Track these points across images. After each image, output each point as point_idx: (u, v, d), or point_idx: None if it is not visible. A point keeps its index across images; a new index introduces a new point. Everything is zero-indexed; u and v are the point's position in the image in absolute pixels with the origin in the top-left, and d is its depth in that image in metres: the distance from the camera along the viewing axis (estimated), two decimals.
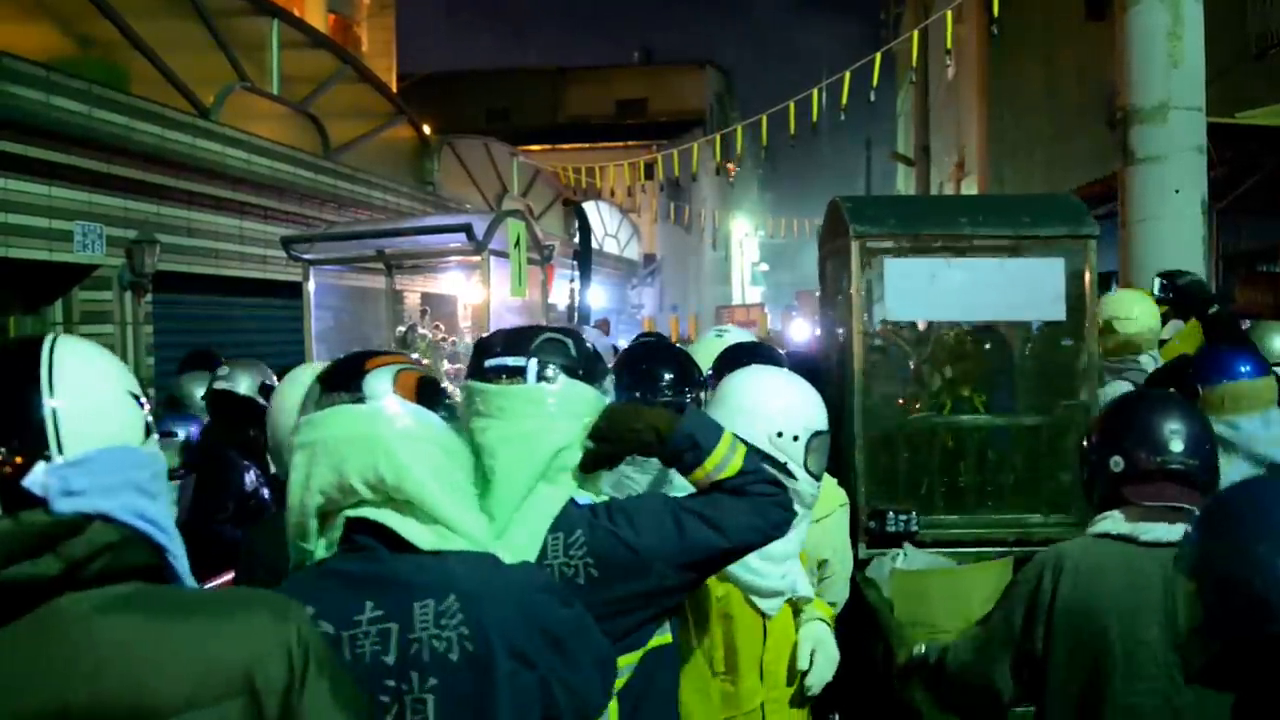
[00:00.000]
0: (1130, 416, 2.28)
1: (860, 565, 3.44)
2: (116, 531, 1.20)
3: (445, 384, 1.77)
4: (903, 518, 3.58)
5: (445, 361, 7.73)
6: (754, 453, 1.96)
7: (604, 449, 1.91)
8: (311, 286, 8.09)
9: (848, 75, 12.03)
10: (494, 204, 17.47)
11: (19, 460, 1.17)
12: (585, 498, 1.87)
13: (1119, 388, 3.95)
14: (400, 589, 1.54)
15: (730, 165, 28.92)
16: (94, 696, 1.14)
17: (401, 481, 1.55)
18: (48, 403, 1.20)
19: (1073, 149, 13.97)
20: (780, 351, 4.13)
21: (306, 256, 8.01)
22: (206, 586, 1.60)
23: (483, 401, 1.89)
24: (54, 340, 1.27)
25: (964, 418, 4.05)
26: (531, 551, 1.78)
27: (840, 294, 4.14)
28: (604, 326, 14.13)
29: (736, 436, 1.94)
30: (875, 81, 11.80)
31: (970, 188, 20.74)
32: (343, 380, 1.62)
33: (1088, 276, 3.79)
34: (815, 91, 12.53)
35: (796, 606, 2.50)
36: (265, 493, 4.09)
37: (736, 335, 3.97)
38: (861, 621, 3.11)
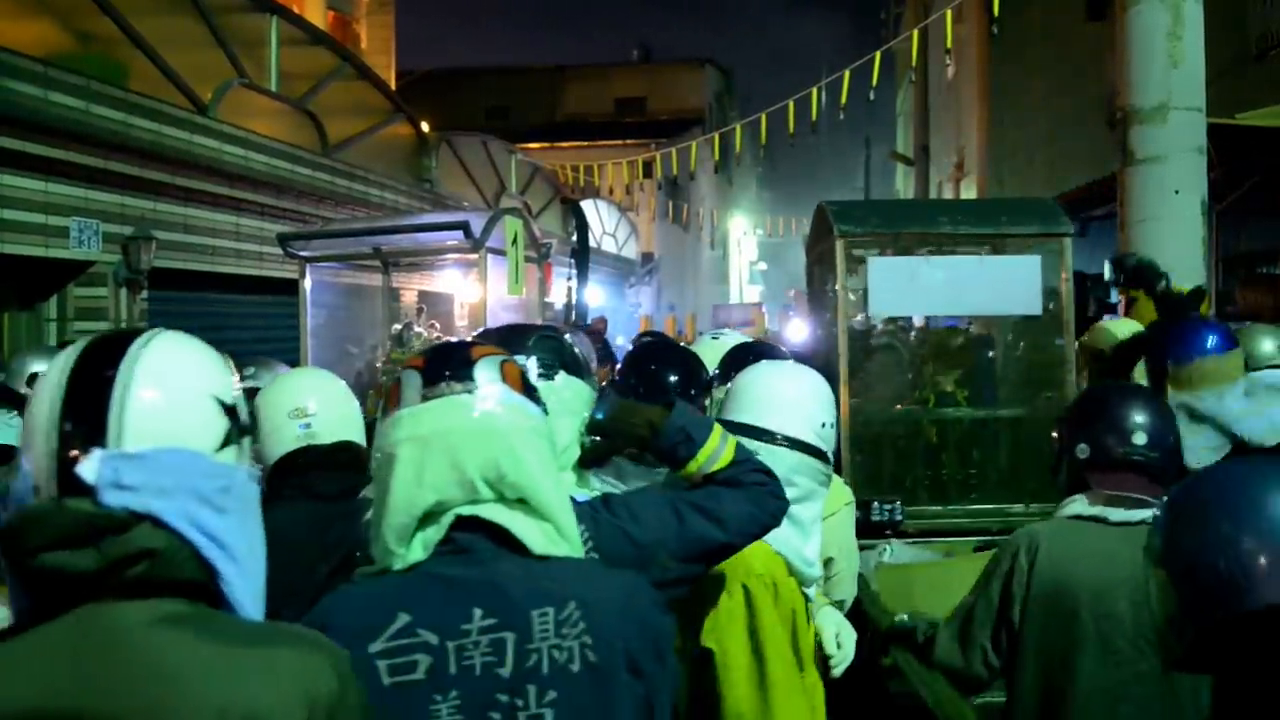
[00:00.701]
0: (1099, 406, 2.40)
1: None
2: (165, 538, 1.14)
3: None
4: (887, 507, 3.65)
5: None
6: (742, 444, 1.94)
7: (601, 444, 1.89)
8: (308, 284, 8.08)
9: (847, 74, 12.03)
10: (492, 202, 17.45)
11: (80, 445, 1.13)
12: (582, 495, 1.84)
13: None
14: (514, 596, 1.44)
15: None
16: (111, 712, 1.10)
17: (520, 476, 1.47)
18: (116, 391, 1.16)
19: (1072, 149, 13.96)
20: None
21: (303, 254, 7.99)
22: None
23: None
24: (151, 335, 1.24)
25: (947, 411, 4.16)
26: None
27: (828, 293, 4.26)
28: (601, 325, 14.11)
29: (725, 429, 1.93)
30: (875, 81, 11.80)
31: (970, 188, 20.74)
32: (450, 369, 1.52)
33: (1064, 273, 3.95)
34: (814, 91, 12.52)
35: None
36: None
37: (733, 339, 3.90)
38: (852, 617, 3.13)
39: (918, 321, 5.23)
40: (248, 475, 1.27)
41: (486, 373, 1.52)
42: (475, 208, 15.52)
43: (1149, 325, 3.75)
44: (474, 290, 8.04)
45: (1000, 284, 3.94)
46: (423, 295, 12.60)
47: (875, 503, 3.62)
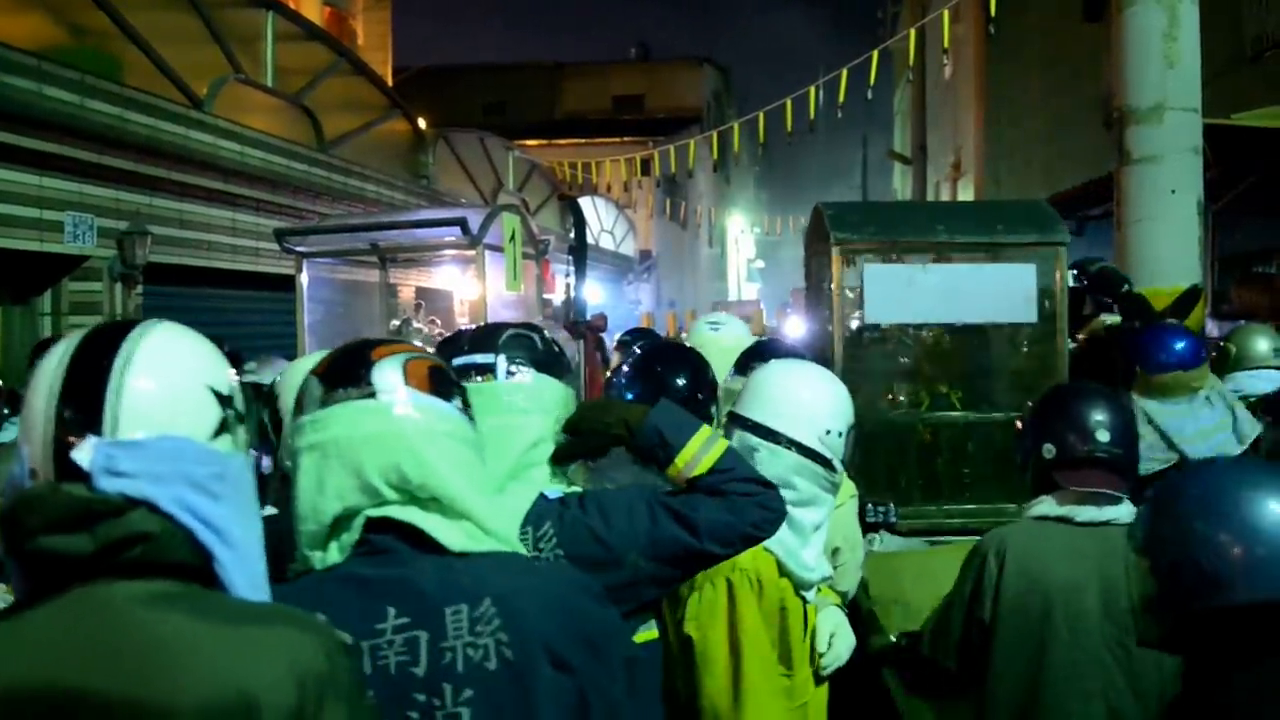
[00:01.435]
0: (1063, 407, 2.45)
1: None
2: (159, 522, 1.17)
3: None
4: (881, 509, 3.68)
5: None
6: (732, 450, 1.89)
7: (575, 442, 1.87)
8: (305, 279, 8.06)
9: (845, 73, 12.03)
10: (489, 199, 17.44)
11: (76, 432, 1.16)
12: (555, 490, 1.82)
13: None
14: (427, 595, 1.42)
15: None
16: (125, 688, 1.12)
17: (427, 479, 1.44)
18: (112, 380, 1.19)
19: (1069, 149, 13.97)
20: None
21: (299, 249, 7.98)
22: None
23: None
24: (148, 326, 1.26)
25: (941, 413, 4.21)
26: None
27: (824, 295, 4.30)
28: (601, 322, 14.09)
29: (717, 433, 1.90)
30: (872, 79, 11.80)
31: (967, 187, 20.75)
32: (347, 374, 1.49)
33: (1058, 280, 3.96)
34: (812, 89, 12.52)
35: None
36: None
37: (733, 327, 3.80)
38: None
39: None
40: (243, 463, 1.28)
41: (387, 374, 1.49)
42: (472, 204, 15.51)
43: (1120, 328, 3.80)
44: (472, 287, 8.03)
45: (996, 292, 3.98)
46: (421, 291, 12.59)
47: (869, 504, 3.64)
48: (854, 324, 4.15)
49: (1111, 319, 4.61)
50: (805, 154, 47.49)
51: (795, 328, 17.77)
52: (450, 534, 1.46)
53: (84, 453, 1.15)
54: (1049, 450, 2.40)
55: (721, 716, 2.24)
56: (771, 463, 2.24)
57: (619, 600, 1.74)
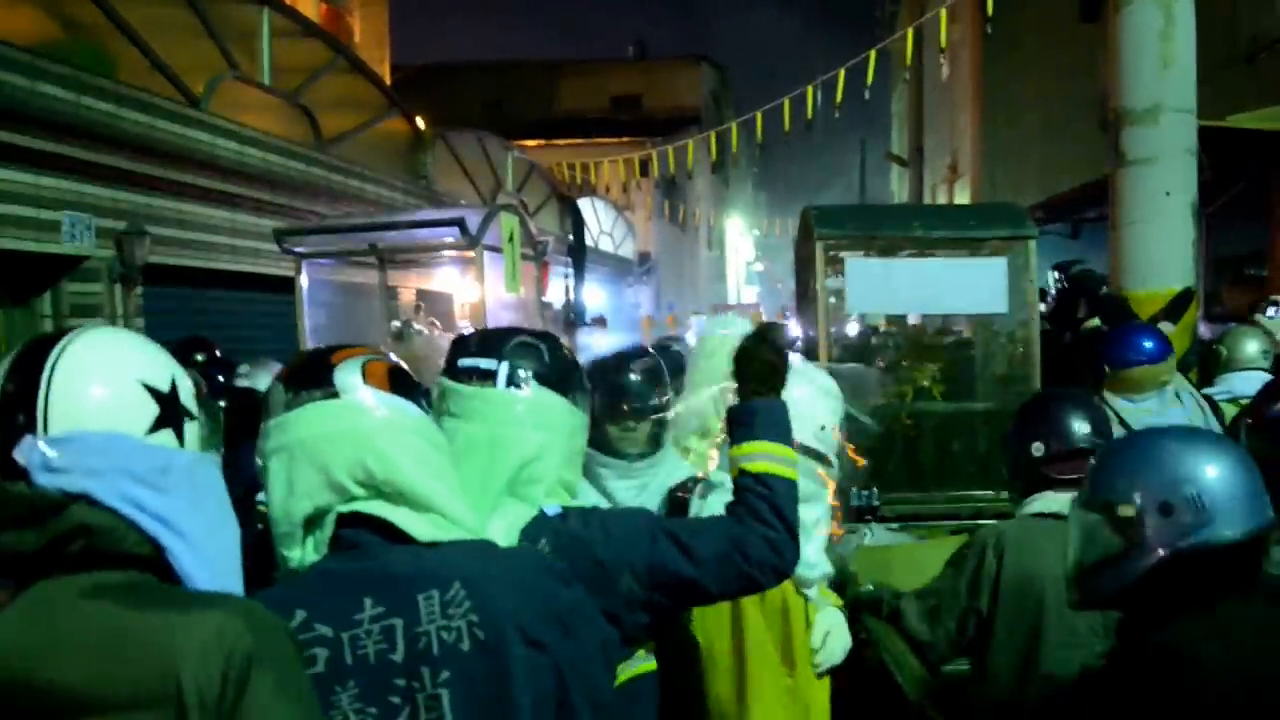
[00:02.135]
0: (1044, 409, 2.67)
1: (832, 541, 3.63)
2: (100, 515, 1.21)
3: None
4: (865, 494, 3.81)
5: (443, 359, 7.71)
6: (793, 485, 1.84)
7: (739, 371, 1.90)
8: (304, 281, 8.06)
9: (842, 73, 12.04)
10: (488, 199, 17.43)
11: (15, 434, 1.22)
12: (555, 507, 1.79)
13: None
14: (400, 582, 1.47)
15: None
16: (64, 678, 1.17)
17: (390, 474, 1.50)
18: (44, 381, 1.25)
19: (1065, 150, 13.98)
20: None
21: (298, 250, 7.98)
22: None
23: (452, 401, 1.83)
24: (82, 329, 1.32)
25: (923, 405, 4.48)
26: None
27: (812, 294, 4.54)
28: (601, 324, 14.11)
29: (796, 463, 1.87)
30: (870, 79, 11.82)
31: (963, 188, 20.77)
32: (310, 377, 1.56)
33: (1029, 274, 4.23)
34: (810, 89, 12.53)
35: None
36: None
37: (739, 329, 3.84)
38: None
39: (913, 320, 5.35)
40: (193, 458, 1.32)
41: (347, 376, 1.55)
42: (471, 205, 15.51)
43: (1093, 330, 3.95)
44: (472, 288, 8.03)
45: (969, 284, 4.23)
46: (420, 293, 12.59)
47: (853, 489, 3.70)
48: (840, 318, 4.45)
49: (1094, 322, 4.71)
50: (803, 156, 47.50)
51: (795, 330, 17.76)
52: (418, 525, 1.51)
53: (21, 450, 1.21)
54: (1038, 448, 2.54)
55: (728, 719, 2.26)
56: None
57: (611, 620, 1.73)
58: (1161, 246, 5.90)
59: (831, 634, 2.42)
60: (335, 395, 1.53)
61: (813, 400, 2.34)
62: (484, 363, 1.83)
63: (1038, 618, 2.41)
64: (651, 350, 3.10)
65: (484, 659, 1.45)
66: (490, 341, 1.88)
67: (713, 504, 2.12)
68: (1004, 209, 4.73)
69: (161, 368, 1.34)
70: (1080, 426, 2.55)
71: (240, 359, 5.11)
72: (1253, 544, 1.61)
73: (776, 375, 1.90)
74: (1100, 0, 6.39)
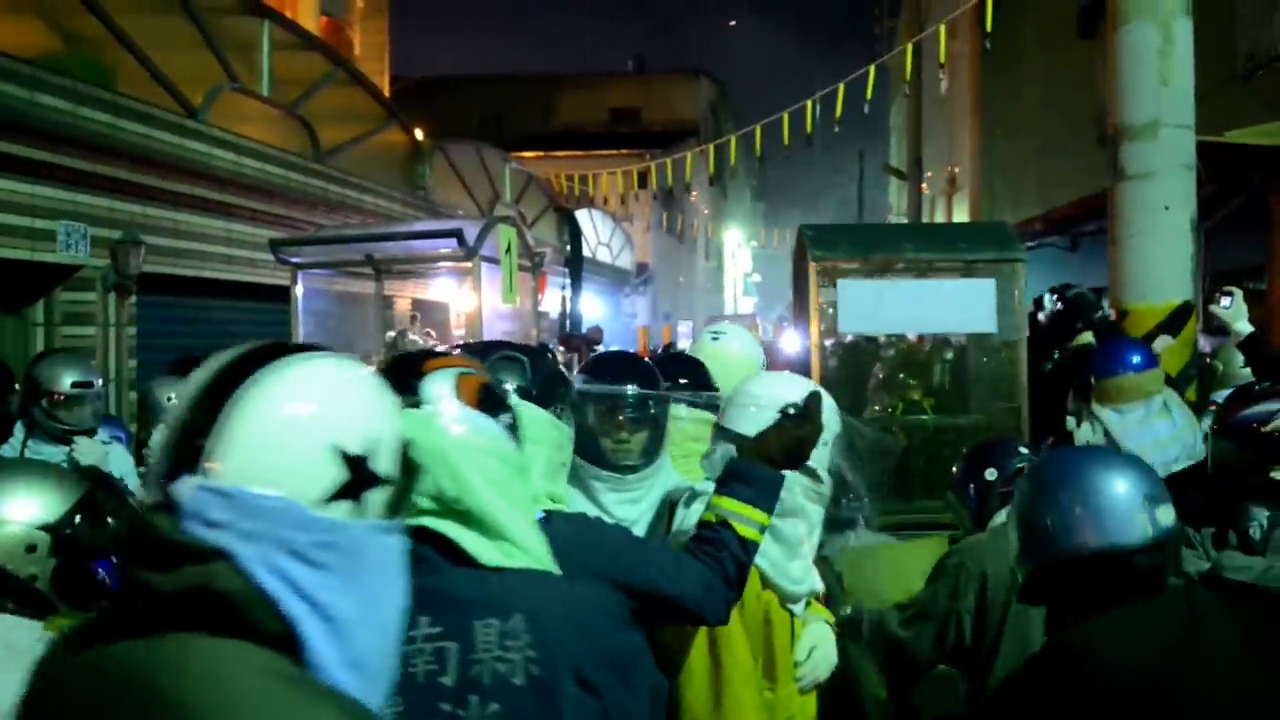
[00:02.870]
0: (985, 447, 2.94)
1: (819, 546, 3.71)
2: (238, 581, 1.08)
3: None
4: (855, 505, 3.86)
5: None
6: (756, 547, 1.93)
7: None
8: (299, 290, 8.05)
9: (841, 87, 12.05)
10: (486, 210, 17.44)
11: (184, 464, 1.10)
12: (539, 513, 1.76)
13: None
14: (460, 606, 1.44)
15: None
16: None
17: (463, 494, 1.45)
18: (228, 418, 1.11)
19: (1064, 165, 14.00)
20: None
21: (294, 260, 7.97)
22: None
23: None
24: (292, 361, 1.17)
25: (912, 418, 4.68)
26: None
27: (807, 309, 4.71)
28: (597, 336, 14.10)
29: (769, 527, 1.96)
30: (869, 94, 11.83)
31: (961, 202, 20.81)
32: (399, 382, 1.46)
33: (1017, 294, 4.43)
34: (809, 103, 12.54)
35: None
36: None
37: (735, 335, 3.81)
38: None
39: (911, 337, 5.41)
40: (369, 530, 1.15)
41: (435, 386, 1.50)
42: (469, 216, 15.50)
43: (1083, 346, 4.03)
44: (468, 299, 8.02)
45: (959, 304, 4.39)
46: (416, 303, 12.57)
47: (843, 501, 3.88)
48: (833, 335, 4.59)
49: (1084, 338, 4.75)
50: (802, 168, 47.63)
51: (791, 342, 17.80)
52: (484, 549, 1.46)
53: (182, 491, 1.09)
54: (991, 473, 2.82)
55: None
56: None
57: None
58: (1161, 261, 5.89)
59: (817, 649, 2.38)
60: (418, 404, 1.48)
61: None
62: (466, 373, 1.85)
63: (1025, 620, 2.56)
64: (646, 359, 3.07)
65: (535, 697, 1.41)
66: (473, 354, 1.89)
67: (696, 511, 2.10)
68: (994, 230, 4.91)
69: (362, 422, 1.17)
70: (1024, 449, 2.89)
71: None
72: (1146, 551, 1.79)
73: (802, 454, 1.96)
74: (1098, 17, 6.40)
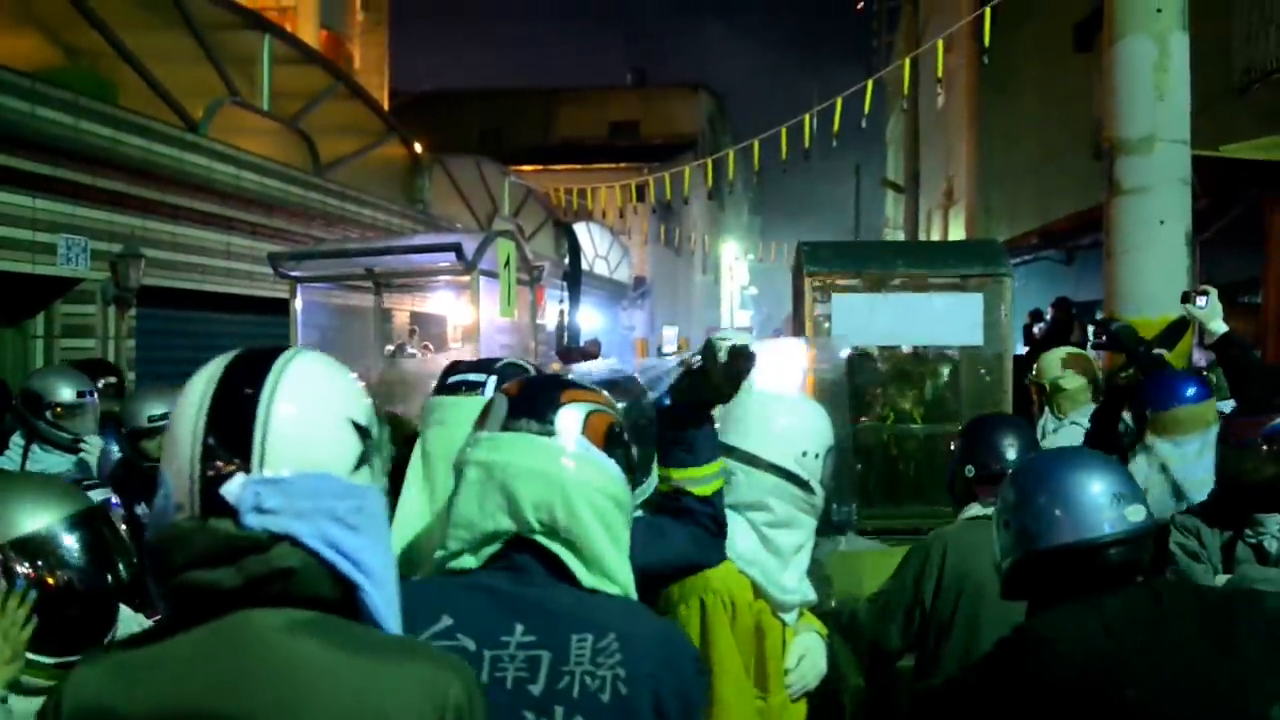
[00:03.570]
0: (978, 435, 3.00)
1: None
2: (301, 557, 1.19)
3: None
4: (843, 509, 4.07)
5: (434, 382, 7.70)
6: (720, 493, 2.06)
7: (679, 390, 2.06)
8: (299, 304, 8.07)
9: (839, 102, 12.10)
10: (485, 224, 17.48)
11: (222, 467, 1.18)
12: None
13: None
14: (557, 618, 1.48)
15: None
16: (243, 711, 1.16)
17: (572, 525, 1.52)
18: (260, 414, 1.21)
19: (1060, 179, 14.07)
20: None
21: (294, 274, 7.98)
22: None
23: (440, 411, 1.96)
24: (291, 355, 1.28)
25: (902, 426, 4.83)
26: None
27: (802, 322, 4.93)
28: (595, 349, 14.11)
29: (724, 469, 2.07)
30: (867, 109, 11.88)
31: (958, 216, 20.87)
32: (534, 407, 1.58)
33: (1004, 309, 4.62)
34: (806, 118, 12.59)
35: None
36: None
37: (739, 339, 3.90)
38: None
39: (907, 349, 5.49)
40: (379, 494, 1.31)
41: (569, 419, 1.58)
42: (468, 229, 15.54)
43: (1128, 379, 4.04)
44: (467, 312, 8.03)
45: (947, 318, 4.62)
46: (415, 316, 12.59)
47: (833, 504, 4.06)
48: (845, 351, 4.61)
49: (1054, 355, 4.85)
50: (799, 182, 47.73)
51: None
52: (583, 572, 1.53)
53: (232, 489, 1.17)
54: (969, 470, 2.92)
55: None
56: (748, 486, 2.27)
57: None
58: (1156, 275, 5.91)
59: (806, 657, 2.40)
60: (551, 434, 1.56)
61: (797, 428, 2.35)
62: (474, 376, 1.98)
63: (976, 608, 2.67)
64: (635, 375, 3.10)
65: (617, 715, 1.44)
66: (479, 363, 2.05)
67: None
68: (983, 247, 5.18)
69: (361, 401, 1.32)
70: (1009, 453, 2.88)
71: None
72: (1117, 545, 1.90)
73: (723, 388, 2.06)
74: (1094, 31, 6.45)
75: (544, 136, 35.04)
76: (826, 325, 4.67)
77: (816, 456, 2.33)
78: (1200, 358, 6.42)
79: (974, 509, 2.91)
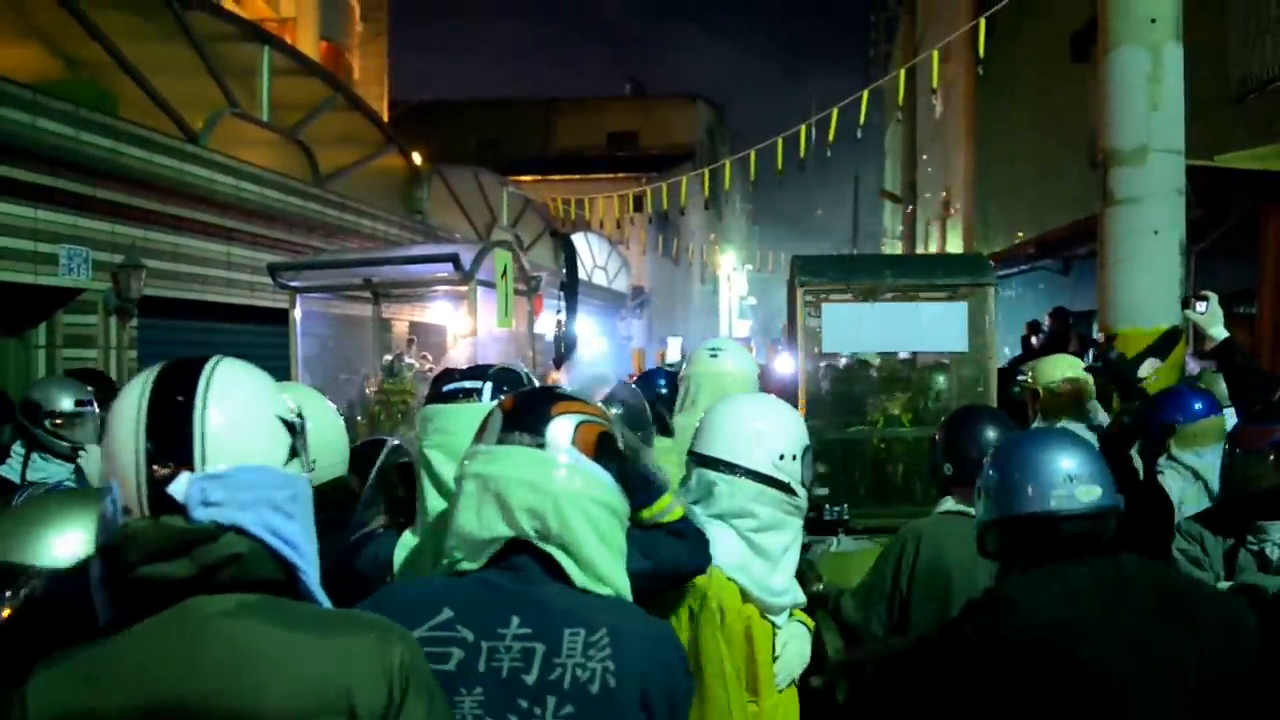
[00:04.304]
0: (956, 435, 3.11)
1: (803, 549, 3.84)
2: (247, 544, 1.29)
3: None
4: (836, 509, 4.31)
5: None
6: (691, 510, 2.14)
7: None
8: (298, 314, 8.10)
9: (835, 113, 12.15)
10: (483, 234, 17.51)
11: (168, 468, 1.27)
12: None
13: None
14: (551, 613, 1.55)
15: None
16: (209, 693, 1.24)
17: (564, 531, 1.59)
18: (197, 418, 1.30)
19: (1057, 189, 14.11)
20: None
21: (293, 284, 8.02)
22: None
23: (439, 420, 2.00)
24: (217, 362, 1.38)
25: (891, 430, 4.99)
26: None
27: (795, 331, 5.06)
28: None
29: (692, 460, 2.17)
30: (863, 119, 11.93)
31: (956, 226, 20.92)
32: (526, 420, 1.65)
33: (988, 318, 4.76)
34: (803, 129, 12.64)
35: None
36: None
37: (733, 352, 3.94)
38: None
39: (902, 355, 5.57)
40: (307, 482, 1.42)
41: (559, 431, 1.64)
42: (466, 239, 15.58)
43: (1144, 401, 4.28)
44: (464, 322, 8.07)
45: (933, 326, 4.79)
46: (414, 326, 12.61)
47: (826, 505, 4.32)
48: (820, 356, 4.94)
49: (1049, 362, 5.00)
50: (797, 192, 47.81)
51: (785, 364, 17.79)
52: (577, 574, 1.60)
53: (179, 487, 1.27)
54: (948, 468, 3.05)
55: None
56: (730, 494, 2.30)
57: None
58: (1149, 284, 5.94)
59: (790, 645, 2.43)
60: (542, 445, 1.63)
61: (771, 432, 2.37)
62: (469, 383, 2.03)
63: (945, 598, 2.77)
64: (630, 384, 3.14)
65: (605, 707, 1.51)
66: (473, 371, 2.07)
67: None
68: (969, 260, 5.42)
69: (283, 399, 1.43)
70: (986, 449, 2.96)
71: None
72: (1075, 520, 2.08)
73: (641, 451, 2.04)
74: (1091, 41, 6.48)
75: (542, 147, 35.11)
76: (819, 334, 4.82)
77: (794, 458, 2.36)
78: (1194, 366, 6.45)
79: (948, 503, 3.04)
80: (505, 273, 8.31)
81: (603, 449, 1.67)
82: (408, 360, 9.49)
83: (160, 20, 9.80)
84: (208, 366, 1.36)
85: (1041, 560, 2.11)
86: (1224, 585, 2.92)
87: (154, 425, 1.29)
